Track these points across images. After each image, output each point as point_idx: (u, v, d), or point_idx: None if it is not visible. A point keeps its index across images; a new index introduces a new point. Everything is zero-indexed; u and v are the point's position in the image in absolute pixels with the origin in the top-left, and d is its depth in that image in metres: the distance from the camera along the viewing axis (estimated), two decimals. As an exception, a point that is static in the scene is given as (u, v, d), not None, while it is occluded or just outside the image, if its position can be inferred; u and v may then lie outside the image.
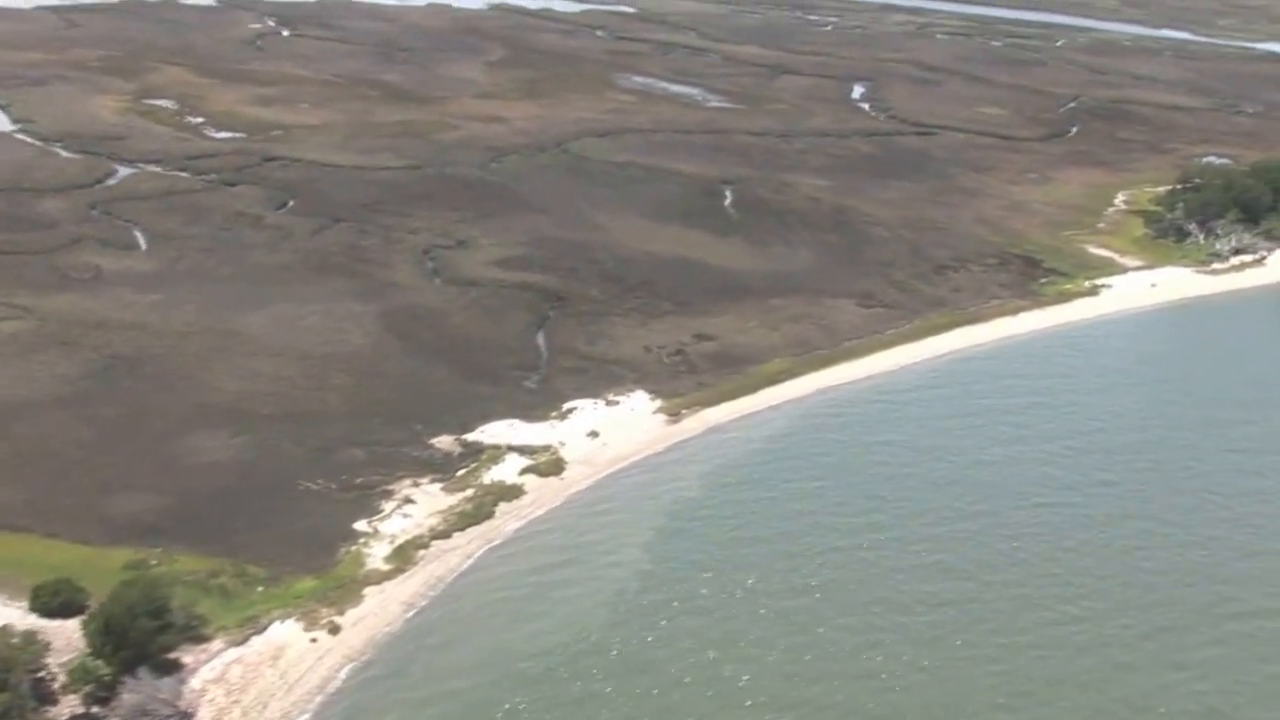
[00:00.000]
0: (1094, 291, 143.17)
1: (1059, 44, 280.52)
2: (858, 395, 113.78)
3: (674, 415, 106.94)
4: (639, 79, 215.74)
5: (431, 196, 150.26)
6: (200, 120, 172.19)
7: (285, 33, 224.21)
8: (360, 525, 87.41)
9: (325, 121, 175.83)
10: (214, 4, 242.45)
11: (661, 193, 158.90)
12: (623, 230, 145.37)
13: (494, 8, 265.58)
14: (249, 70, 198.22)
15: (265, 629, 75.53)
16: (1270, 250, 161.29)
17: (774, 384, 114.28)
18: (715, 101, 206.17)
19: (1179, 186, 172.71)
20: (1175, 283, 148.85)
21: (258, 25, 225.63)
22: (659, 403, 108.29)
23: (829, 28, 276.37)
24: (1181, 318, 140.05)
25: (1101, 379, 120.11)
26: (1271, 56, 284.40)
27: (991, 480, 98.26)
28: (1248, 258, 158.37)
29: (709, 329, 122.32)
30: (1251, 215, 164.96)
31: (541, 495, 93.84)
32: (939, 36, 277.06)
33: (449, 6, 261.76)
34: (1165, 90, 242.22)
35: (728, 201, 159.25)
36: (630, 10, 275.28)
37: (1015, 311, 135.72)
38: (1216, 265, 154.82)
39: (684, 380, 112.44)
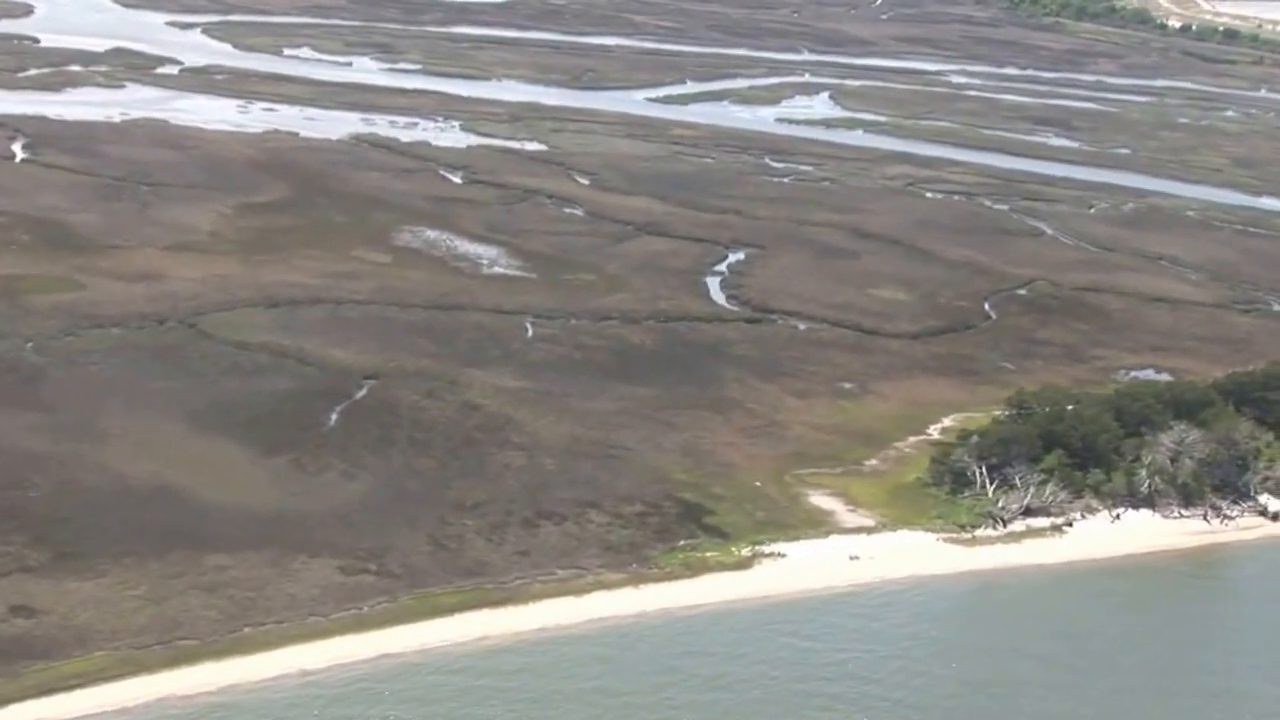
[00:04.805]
0: (746, 564, 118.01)
1: (1091, 210, 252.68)
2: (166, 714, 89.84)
3: None
4: (431, 234, 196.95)
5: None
6: None
7: (20, 157, 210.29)
8: None
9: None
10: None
11: (254, 390, 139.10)
12: (129, 442, 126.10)
13: (355, 138, 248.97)
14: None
15: None
16: (1090, 514, 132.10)
17: (51, 693, 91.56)
18: (502, 268, 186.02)
19: (1012, 411, 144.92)
20: (896, 556, 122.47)
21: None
22: None
23: (787, 179, 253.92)
24: (854, 615, 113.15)
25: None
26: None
27: None
28: (1042, 522, 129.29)
29: (53, 598, 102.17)
30: (1084, 460, 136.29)
31: None
32: (927, 195, 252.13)
33: (295, 135, 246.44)
34: (1172, 276, 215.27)
35: (345, 404, 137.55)
36: (540, 148, 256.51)
37: (586, 590, 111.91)
38: (984, 531, 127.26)
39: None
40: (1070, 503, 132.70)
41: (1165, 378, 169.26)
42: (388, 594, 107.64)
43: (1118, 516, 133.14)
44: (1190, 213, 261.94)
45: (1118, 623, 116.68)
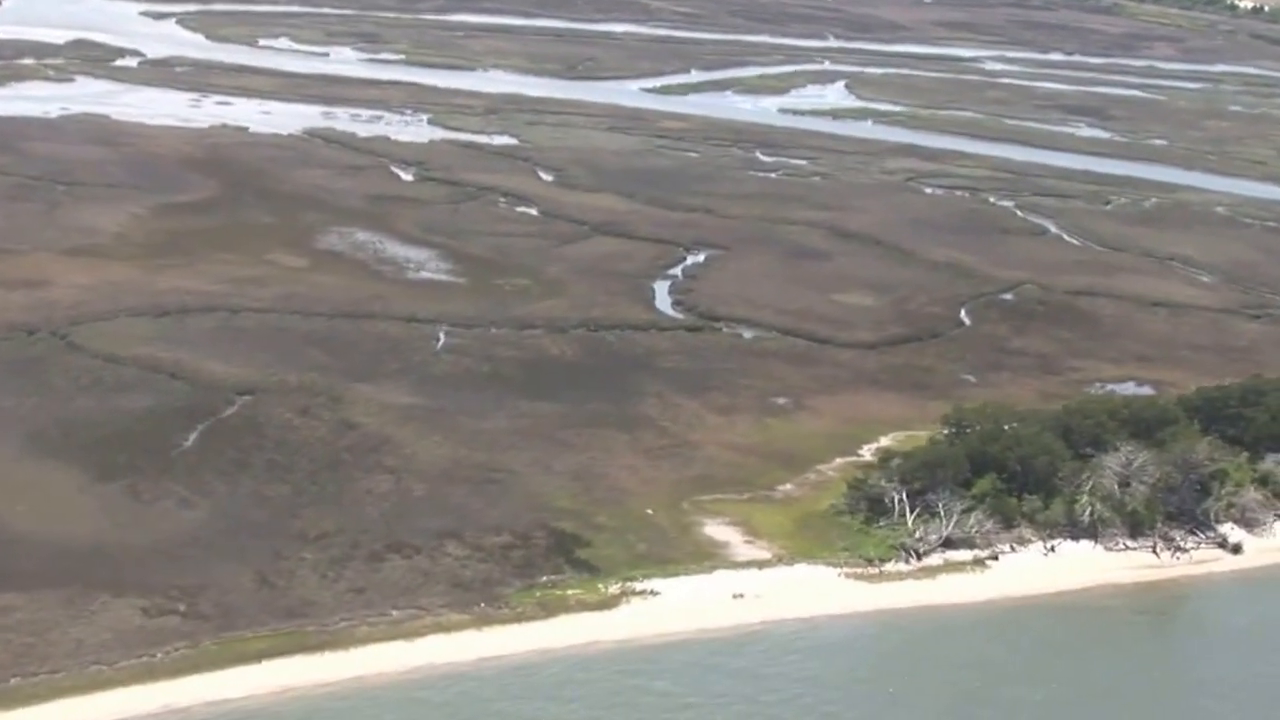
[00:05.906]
0: (612, 603, 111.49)
1: (1107, 206, 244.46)
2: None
3: None
4: (361, 235, 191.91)
5: None
6: None
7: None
8: None
9: None
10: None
11: (110, 408, 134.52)
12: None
13: (308, 133, 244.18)
14: None
15: None
16: (1021, 546, 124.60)
17: None
18: (429, 273, 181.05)
19: (949, 431, 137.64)
20: (788, 593, 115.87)
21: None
22: None
23: (774, 174, 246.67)
24: (717, 654, 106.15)
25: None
26: None
27: None
28: (964, 555, 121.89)
29: None
30: (1023, 485, 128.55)
31: None
32: (926, 191, 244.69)
33: (243, 130, 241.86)
34: (1179, 279, 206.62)
35: (208, 423, 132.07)
36: (509, 143, 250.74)
37: (420, 633, 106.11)
38: (895, 566, 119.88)
39: None
40: (999, 533, 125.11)
41: (1147, 392, 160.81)
42: (190, 638, 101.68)
43: (1052, 549, 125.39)
44: (1219, 208, 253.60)
45: (1026, 669, 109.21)
